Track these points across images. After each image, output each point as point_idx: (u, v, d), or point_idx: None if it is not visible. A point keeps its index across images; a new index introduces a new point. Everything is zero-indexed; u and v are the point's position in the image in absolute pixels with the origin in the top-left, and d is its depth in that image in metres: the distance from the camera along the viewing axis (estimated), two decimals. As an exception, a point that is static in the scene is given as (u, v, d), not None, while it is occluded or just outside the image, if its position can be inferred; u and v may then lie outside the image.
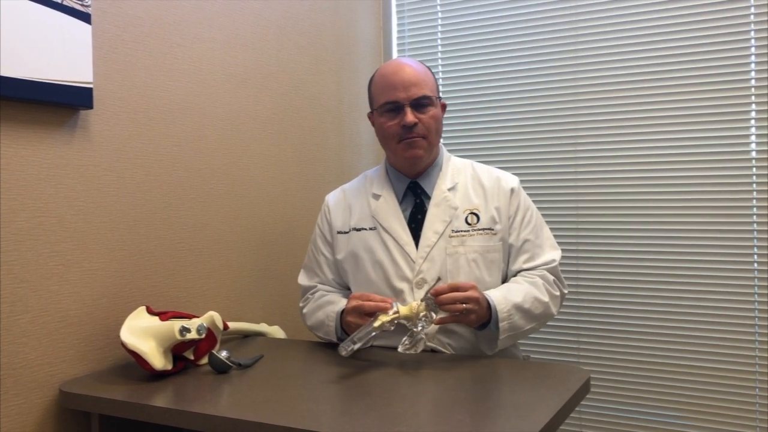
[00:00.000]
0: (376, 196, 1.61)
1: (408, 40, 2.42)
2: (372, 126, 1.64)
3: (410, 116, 1.50)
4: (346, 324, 1.46)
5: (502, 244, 1.54)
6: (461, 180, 1.59)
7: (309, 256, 1.69)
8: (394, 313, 1.34)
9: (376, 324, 1.32)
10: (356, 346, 1.32)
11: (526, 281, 1.51)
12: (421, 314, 1.34)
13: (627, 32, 2.07)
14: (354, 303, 1.43)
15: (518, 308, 1.43)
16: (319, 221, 1.68)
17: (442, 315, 1.38)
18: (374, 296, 1.42)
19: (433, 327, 1.45)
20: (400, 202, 1.59)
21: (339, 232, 1.62)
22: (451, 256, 1.51)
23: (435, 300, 1.35)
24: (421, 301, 1.35)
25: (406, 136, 1.52)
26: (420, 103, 1.52)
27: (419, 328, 1.35)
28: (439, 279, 1.40)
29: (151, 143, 1.54)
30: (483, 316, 1.40)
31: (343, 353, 1.32)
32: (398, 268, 1.53)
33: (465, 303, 1.35)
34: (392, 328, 1.34)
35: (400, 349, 1.36)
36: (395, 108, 1.52)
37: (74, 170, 1.37)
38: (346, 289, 1.63)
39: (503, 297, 1.43)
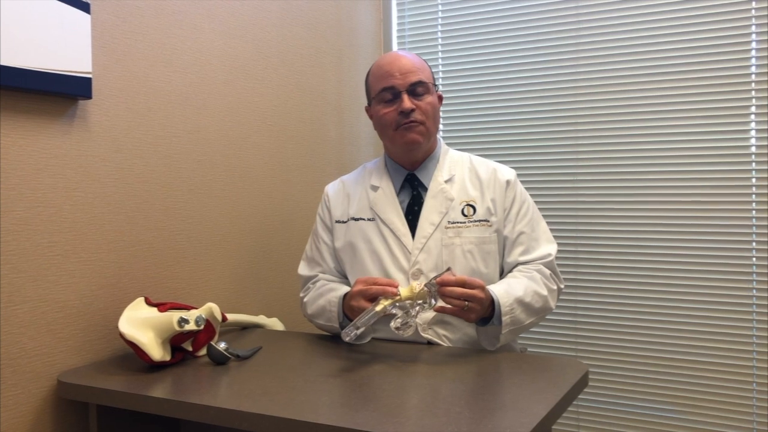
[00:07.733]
0: (375, 188, 1.61)
1: (408, 32, 2.41)
2: (370, 120, 1.63)
3: (407, 102, 1.51)
4: (348, 308, 1.45)
5: (497, 235, 1.54)
6: (458, 172, 1.59)
7: (310, 246, 1.69)
8: (395, 296, 1.33)
9: (378, 308, 1.32)
10: (359, 331, 1.32)
11: (524, 276, 1.51)
12: (419, 300, 1.33)
13: (627, 26, 2.06)
14: (359, 287, 1.42)
15: (520, 302, 1.43)
16: (320, 210, 1.68)
17: (442, 304, 1.36)
18: (380, 279, 1.42)
19: (429, 312, 1.44)
20: (398, 194, 1.59)
21: (337, 221, 1.63)
22: (447, 247, 1.51)
23: (438, 289, 1.33)
24: (425, 286, 1.34)
25: (404, 121, 1.52)
26: (416, 90, 1.53)
27: (416, 309, 1.34)
28: (448, 269, 1.38)
29: (150, 134, 1.54)
30: (483, 315, 1.40)
31: (347, 339, 1.32)
32: (395, 259, 1.53)
33: (468, 300, 1.34)
34: (393, 311, 1.33)
35: (391, 325, 1.34)
36: (392, 95, 1.53)
37: (73, 160, 1.36)
38: (347, 279, 1.63)
39: (505, 291, 1.42)
